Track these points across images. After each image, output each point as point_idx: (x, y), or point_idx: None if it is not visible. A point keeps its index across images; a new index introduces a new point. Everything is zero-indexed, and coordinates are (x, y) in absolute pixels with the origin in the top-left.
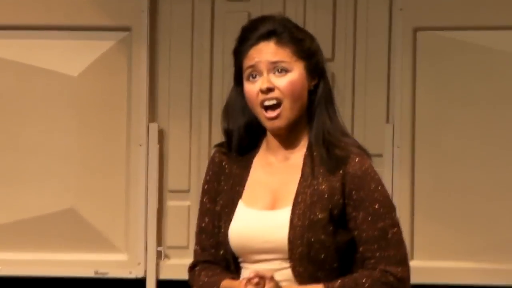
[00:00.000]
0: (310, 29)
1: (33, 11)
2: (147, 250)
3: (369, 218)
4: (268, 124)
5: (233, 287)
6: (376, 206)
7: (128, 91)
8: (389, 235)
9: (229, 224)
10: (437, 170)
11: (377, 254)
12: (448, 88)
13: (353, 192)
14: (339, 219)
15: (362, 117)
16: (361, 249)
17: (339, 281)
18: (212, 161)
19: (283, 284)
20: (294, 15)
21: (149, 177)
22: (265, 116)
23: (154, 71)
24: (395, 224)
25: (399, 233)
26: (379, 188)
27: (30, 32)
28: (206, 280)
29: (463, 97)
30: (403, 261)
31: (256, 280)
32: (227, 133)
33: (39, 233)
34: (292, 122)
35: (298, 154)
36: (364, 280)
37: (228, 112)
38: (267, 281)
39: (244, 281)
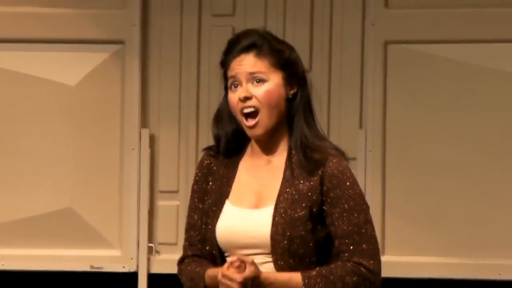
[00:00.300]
0: (289, 41)
1: (33, 26)
2: (139, 246)
3: (344, 215)
4: (248, 132)
5: (217, 272)
6: (351, 204)
7: (122, 99)
8: (363, 231)
9: (216, 221)
10: (406, 173)
11: (351, 248)
12: (417, 97)
13: (330, 190)
14: (317, 216)
15: (337, 123)
16: (336, 243)
17: (316, 269)
18: (201, 163)
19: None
20: (275, 29)
21: (141, 179)
22: (245, 124)
23: (146, 81)
24: (368, 220)
25: (371, 229)
26: (354, 187)
27: (31, 45)
28: (193, 270)
29: (430, 106)
30: (375, 255)
31: (237, 263)
32: (217, 138)
33: (39, 230)
34: (271, 129)
35: (280, 158)
36: (338, 270)
37: (218, 118)
38: (247, 265)
39: (227, 265)
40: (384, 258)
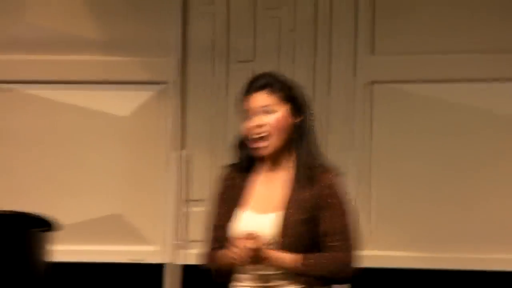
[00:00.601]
0: (296, 81)
1: (97, 70)
2: (175, 242)
3: (333, 218)
4: (254, 152)
5: (228, 248)
6: (339, 210)
7: (165, 127)
8: (345, 231)
9: (236, 224)
10: (388, 185)
11: (336, 244)
12: (397, 124)
13: (325, 198)
14: (316, 217)
15: (333, 146)
16: (326, 239)
17: (313, 254)
18: (222, 176)
19: (270, 267)
20: (286, 72)
21: (180, 190)
22: (252, 146)
23: (184, 113)
24: (351, 223)
25: (353, 230)
26: (343, 198)
27: (95, 85)
28: (217, 254)
29: (409, 132)
30: (352, 252)
31: (251, 235)
32: (238, 157)
33: (97, 231)
34: (278, 149)
35: (287, 172)
36: (326, 257)
37: (239, 143)
38: (257, 237)
39: (243, 236)
40: (368, 252)
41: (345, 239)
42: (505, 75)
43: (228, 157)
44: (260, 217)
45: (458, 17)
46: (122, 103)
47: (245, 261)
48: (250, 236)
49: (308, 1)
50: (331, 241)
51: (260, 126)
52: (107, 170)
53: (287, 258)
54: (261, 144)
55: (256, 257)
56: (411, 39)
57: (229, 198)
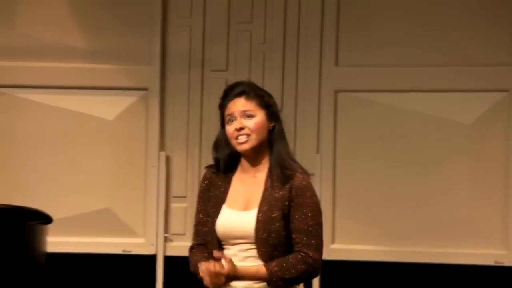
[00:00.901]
0: (266, 89)
1: (83, 77)
2: (157, 236)
3: (302, 217)
4: (238, 148)
5: (208, 265)
6: (308, 209)
7: (145, 130)
8: (313, 230)
9: (216, 219)
10: (350, 184)
11: (303, 241)
12: (359, 130)
13: (295, 198)
14: (287, 216)
15: (300, 149)
16: (294, 236)
17: (275, 260)
18: (204, 177)
19: (246, 260)
20: (256, 80)
21: (159, 187)
22: (236, 143)
23: (163, 117)
24: (319, 223)
25: (320, 230)
26: (312, 198)
27: (82, 90)
28: (195, 260)
29: (369, 136)
30: (319, 249)
31: (220, 255)
32: (216, 159)
33: (86, 224)
34: (256, 147)
35: (263, 173)
36: (291, 260)
37: (217, 146)
38: (227, 262)
39: (213, 263)
40: (334, 246)
41: (312, 237)
42: (455, 87)
43: (204, 157)
44: (237, 213)
45: (414, 33)
46: (107, 108)
47: (211, 283)
48: (218, 256)
49: (278, 16)
50: (299, 238)
51: (241, 128)
52: (96, 169)
53: (253, 270)
54: (243, 140)
55: (220, 280)
56: (372, 52)
57: (210, 196)
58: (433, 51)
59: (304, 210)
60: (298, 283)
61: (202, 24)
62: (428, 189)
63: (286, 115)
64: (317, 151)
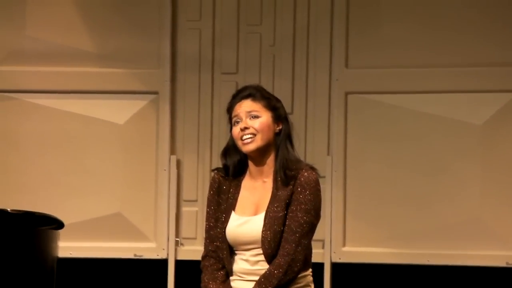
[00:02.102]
0: (276, 93)
1: (94, 81)
2: (169, 240)
3: (296, 213)
4: (243, 148)
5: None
6: (303, 207)
7: (156, 134)
8: (301, 228)
9: (226, 225)
10: (361, 187)
11: (289, 238)
12: (369, 132)
13: (295, 194)
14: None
15: (311, 151)
16: (285, 229)
17: (262, 276)
18: (213, 181)
19: (257, 264)
20: (266, 83)
21: (170, 191)
22: (241, 143)
23: (174, 121)
24: (310, 222)
25: (309, 228)
26: (312, 196)
27: (92, 95)
28: (207, 283)
29: (379, 138)
30: (302, 247)
31: None
32: (225, 165)
33: (97, 228)
34: (261, 149)
35: (270, 179)
36: (268, 270)
37: (226, 151)
38: None
39: None
40: (345, 248)
41: (297, 235)
42: (465, 87)
43: (214, 161)
44: (245, 219)
45: (424, 34)
46: (118, 112)
47: None
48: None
49: (287, 18)
50: (286, 233)
51: (246, 128)
52: (106, 173)
53: None
54: (248, 141)
55: None
56: (382, 54)
57: (219, 201)
58: (443, 52)
59: (299, 207)
60: (285, 287)
61: (212, 26)
62: (439, 190)
63: (296, 117)
64: (328, 153)
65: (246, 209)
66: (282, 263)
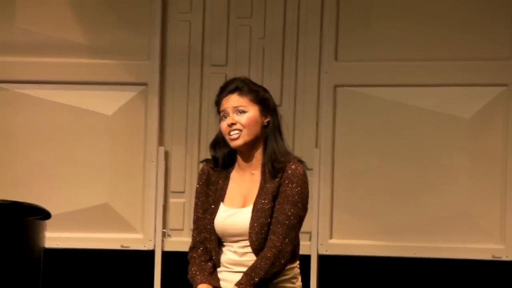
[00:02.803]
0: (266, 85)
1: (83, 72)
2: (156, 231)
3: (283, 205)
4: (231, 144)
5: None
6: (290, 199)
7: (145, 125)
8: (289, 220)
9: (215, 217)
10: (348, 179)
11: (276, 228)
12: (357, 125)
13: (282, 186)
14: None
15: (299, 144)
16: (272, 222)
17: (249, 269)
18: (202, 172)
19: (245, 255)
20: (256, 76)
21: (158, 182)
22: (229, 139)
23: (162, 112)
24: (297, 215)
25: (296, 221)
26: (299, 188)
27: (81, 85)
28: (194, 272)
29: (367, 131)
30: (290, 240)
31: None
32: (214, 158)
33: (85, 219)
34: (249, 143)
35: (258, 170)
36: (255, 263)
37: (215, 143)
38: None
39: None
40: (332, 241)
41: (285, 227)
42: (454, 81)
43: (202, 153)
44: (234, 211)
45: (413, 28)
46: (106, 103)
47: None
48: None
49: (277, 11)
50: (273, 225)
51: (233, 124)
52: (94, 164)
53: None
54: (235, 136)
55: None
56: (371, 47)
57: (208, 193)
58: (432, 46)
59: (286, 199)
60: (273, 279)
61: (202, 19)
62: (427, 183)
63: (285, 109)
64: (316, 146)
65: (235, 201)
66: (269, 255)
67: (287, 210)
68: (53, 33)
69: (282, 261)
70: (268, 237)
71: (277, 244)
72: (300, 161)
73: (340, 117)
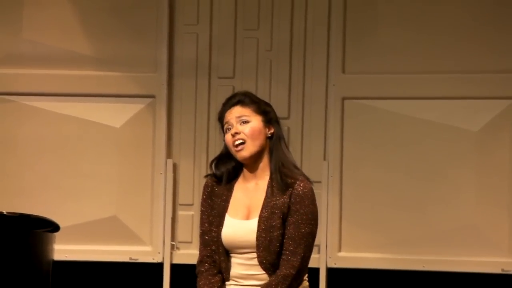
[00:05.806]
0: (274, 97)
1: (91, 84)
2: (164, 243)
3: (296, 224)
4: (237, 156)
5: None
6: (303, 217)
7: (153, 137)
8: (303, 239)
9: (221, 229)
10: (357, 192)
11: (291, 249)
12: (365, 137)
13: (293, 205)
14: (285, 222)
15: (307, 156)
16: (284, 241)
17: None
18: (206, 186)
19: (252, 268)
20: (263, 89)
21: (166, 195)
22: (235, 151)
23: (170, 124)
24: (310, 233)
25: (311, 239)
26: (310, 206)
27: (90, 98)
28: (200, 285)
29: (375, 143)
30: (305, 259)
31: None
32: (220, 172)
33: (93, 232)
34: (254, 155)
35: (264, 181)
36: (272, 282)
37: (219, 161)
38: None
39: None
40: (340, 254)
41: (300, 246)
42: (461, 94)
43: (210, 166)
44: (240, 223)
45: (420, 40)
46: (114, 115)
47: None
48: None
49: (285, 23)
50: (288, 244)
51: (237, 133)
52: (103, 176)
53: None
54: (240, 147)
55: None
56: (379, 59)
57: (212, 205)
58: (440, 58)
59: (299, 218)
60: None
61: (209, 31)
62: (435, 196)
63: (293, 122)
64: (324, 159)
65: (239, 212)
66: (287, 275)
67: (302, 229)
68: (60, 45)
69: (299, 281)
70: (285, 256)
71: (296, 265)
72: (307, 178)
73: (348, 129)
